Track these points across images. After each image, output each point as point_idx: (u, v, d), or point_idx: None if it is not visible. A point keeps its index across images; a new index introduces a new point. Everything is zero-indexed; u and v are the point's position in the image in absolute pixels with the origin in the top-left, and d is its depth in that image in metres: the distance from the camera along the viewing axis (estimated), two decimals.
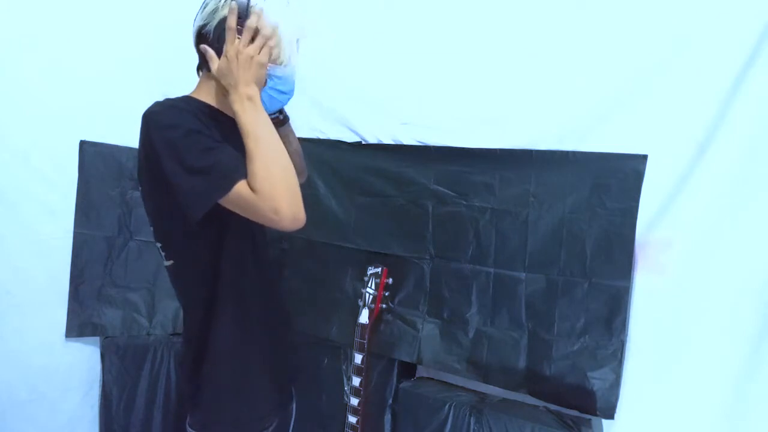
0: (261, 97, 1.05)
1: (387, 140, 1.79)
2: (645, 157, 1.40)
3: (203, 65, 1.11)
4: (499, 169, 1.60)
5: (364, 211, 1.83)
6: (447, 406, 1.58)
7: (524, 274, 1.57)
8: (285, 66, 1.10)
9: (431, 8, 1.70)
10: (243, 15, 1.03)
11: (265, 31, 1.04)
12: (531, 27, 1.55)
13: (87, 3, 1.80)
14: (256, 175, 0.95)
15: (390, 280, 1.44)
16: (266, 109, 1.06)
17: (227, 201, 0.97)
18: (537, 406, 1.58)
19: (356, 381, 1.44)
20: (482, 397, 1.65)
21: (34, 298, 1.80)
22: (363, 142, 1.85)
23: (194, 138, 0.98)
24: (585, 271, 1.48)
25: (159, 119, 1.00)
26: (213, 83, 1.10)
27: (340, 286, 1.85)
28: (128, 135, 1.88)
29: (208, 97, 1.11)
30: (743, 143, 1.31)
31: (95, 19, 1.81)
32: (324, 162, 1.92)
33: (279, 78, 1.10)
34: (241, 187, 0.95)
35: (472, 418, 1.54)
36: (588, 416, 1.51)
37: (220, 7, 1.05)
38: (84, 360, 1.93)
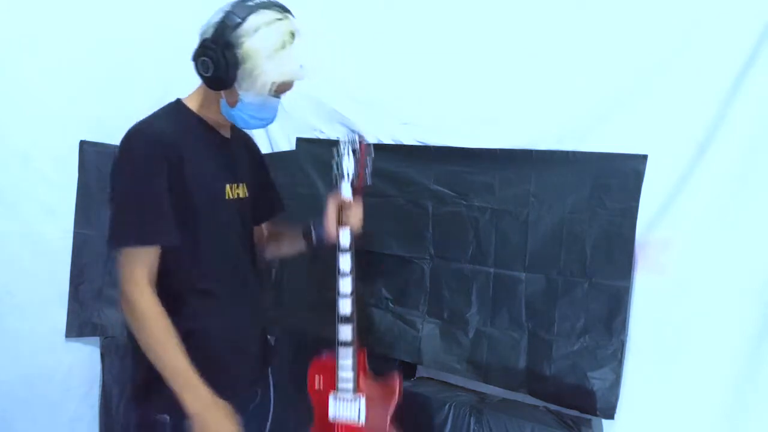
0: (236, 117, 1.13)
1: (387, 140, 1.79)
2: (645, 157, 1.40)
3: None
4: (499, 169, 1.60)
5: (365, 211, 1.82)
6: (447, 406, 1.58)
7: (524, 274, 1.57)
8: (259, 95, 1.09)
9: (431, 8, 1.70)
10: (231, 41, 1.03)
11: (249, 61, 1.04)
12: (531, 27, 1.54)
13: (87, 3, 1.80)
14: (151, 345, 1.04)
15: (372, 154, 1.34)
16: (244, 127, 1.20)
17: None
18: (537, 406, 1.58)
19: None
20: (482, 397, 1.65)
21: (34, 298, 1.80)
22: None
23: (142, 178, 1.04)
24: (585, 271, 1.48)
25: (128, 144, 1.06)
26: (204, 94, 1.15)
27: None
28: None
29: (199, 107, 1.17)
30: (743, 143, 1.31)
31: (95, 20, 1.81)
32: (324, 162, 1.91)
33: (250, 104, 1.10)
34: (127, 253, 1.04)
35: (472, 418, 1.54)
36: (588, 416, 1.51)
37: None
38: (84, 360, 1.93)
